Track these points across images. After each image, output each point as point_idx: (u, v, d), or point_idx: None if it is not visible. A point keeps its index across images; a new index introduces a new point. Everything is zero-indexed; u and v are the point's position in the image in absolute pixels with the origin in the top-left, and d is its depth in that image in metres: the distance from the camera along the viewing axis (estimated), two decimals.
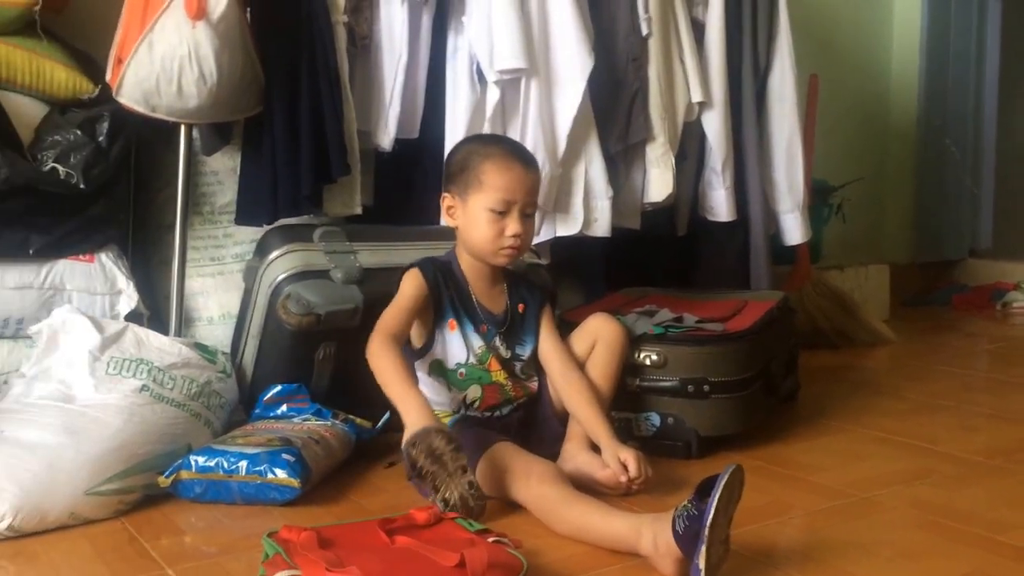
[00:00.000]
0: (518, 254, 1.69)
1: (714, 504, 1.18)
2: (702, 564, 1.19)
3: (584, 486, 1.51)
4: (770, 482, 1.71)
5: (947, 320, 3.71)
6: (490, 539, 1.28)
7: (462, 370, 1.68)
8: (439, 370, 1.69)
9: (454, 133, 2.11)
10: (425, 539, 1.26)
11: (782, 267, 2.97)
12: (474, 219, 1.66)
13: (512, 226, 1.64)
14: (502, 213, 1.64)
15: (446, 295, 1.67)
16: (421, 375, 1.69)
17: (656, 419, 1.84)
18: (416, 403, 1.49)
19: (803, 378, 2.35)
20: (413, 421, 1.46)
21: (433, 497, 1.41)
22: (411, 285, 1.64)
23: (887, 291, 3.62)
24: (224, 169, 2.07)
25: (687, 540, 1.22)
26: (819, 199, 3.36)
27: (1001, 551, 1.40)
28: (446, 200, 1.71)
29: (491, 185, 1.65)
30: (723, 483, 1.20)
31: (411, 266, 1.67)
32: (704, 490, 1.22)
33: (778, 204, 2.61)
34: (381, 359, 1.55)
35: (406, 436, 1.45)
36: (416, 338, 1.69)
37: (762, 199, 2.54)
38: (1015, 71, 4.41)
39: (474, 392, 1.69)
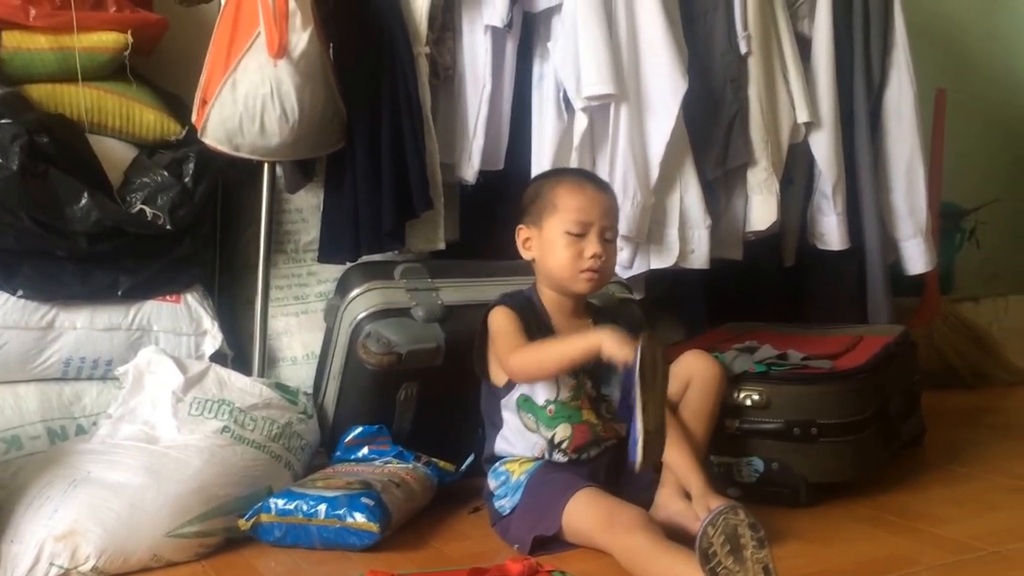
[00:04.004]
0: (600, 278, 1.62)
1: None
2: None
3: (679, 537, 1.41)
4: (889, 534, 1.60)
5: None
6: None
7: (551, 406, 1.61)
8: (528, 406, 1.62)
9: (540, 163, 2.08)
10: None
11: (909, 299, 2.82)
12: (550, 244, 1.61)
13: (591, 247, 1.59)
14: (579, 235, 1.59)
15: (533, 328, 1.61)
16: (507, 415, 1.64)
17: (759, 464, 1.74)
18: (596, 330, 1.51)
19: (931, 421, 2.21)
20: (607, 335, 1.43)
21: None
22: (505, 318, 1.59)
23: None
24: (308, 207, 2.09)
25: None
26: (950, 224, 3.17)
27: None
28: (522, 232, 1.67)
29: (565, 207, 1.60)
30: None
31: (493, 305, 1.62)
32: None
33: (897, 230, 2.46)
34: (523, 354, 1.54)
35: (614, 341, 1.41)
36: (501, 376, 1.63)
37: (879, 225, 2.40)
38: None
39: (563, 431, 1.61)
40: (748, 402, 1.74)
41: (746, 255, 2.27)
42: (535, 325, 1.62)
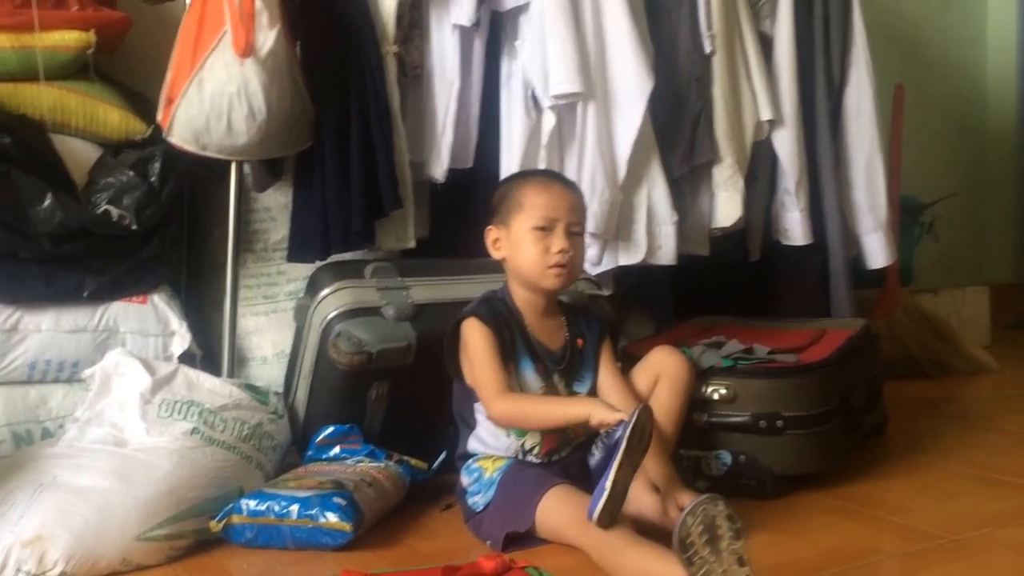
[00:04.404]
0: (568, 274, 1.62)
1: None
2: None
3: (648, 531, 1.43)
4: (853, 523, 1.63)
5: None
6: None
7: None
8: None
9: (509, 161, 2.08)
10: None
11: (871, 291, 2.85)
12: (518, 241, 1.62)
13: (557, 242, 1.59)
14: (545, 230, 1.60)
15: (506, 336, 1.61)
16: (481, 417, 1.64)
17: (727, 457, 1.76)
18: (585, 398, 1.58)
19: (893, 411, 2.24)
20: (596, 405, 1.47)
21: None
22: (479, 336, 1.58)
23: (987, 315, 3.44)
24: (277, 205, 2.07)
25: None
26: (908, 218, 3.22)
27: None
28: (491, 234, 1.67)
29: (531, 204, 1.61)
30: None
31: (466, 316, 1.61)
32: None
33: (858, 225, 2.50)
34: (508, 406, 1.56)
35: (604, 409, 1.44)
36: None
37: (840, 220, 2.44)
38: None
39: (532, 439, 1.62)
40: (716, 396, 1.76)
41: (712, 250, 2.29)
42: (509, 329, 1.62)
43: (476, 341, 1.58)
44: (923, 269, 3.44)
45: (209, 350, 1.97)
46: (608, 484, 1.33)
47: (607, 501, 1.33)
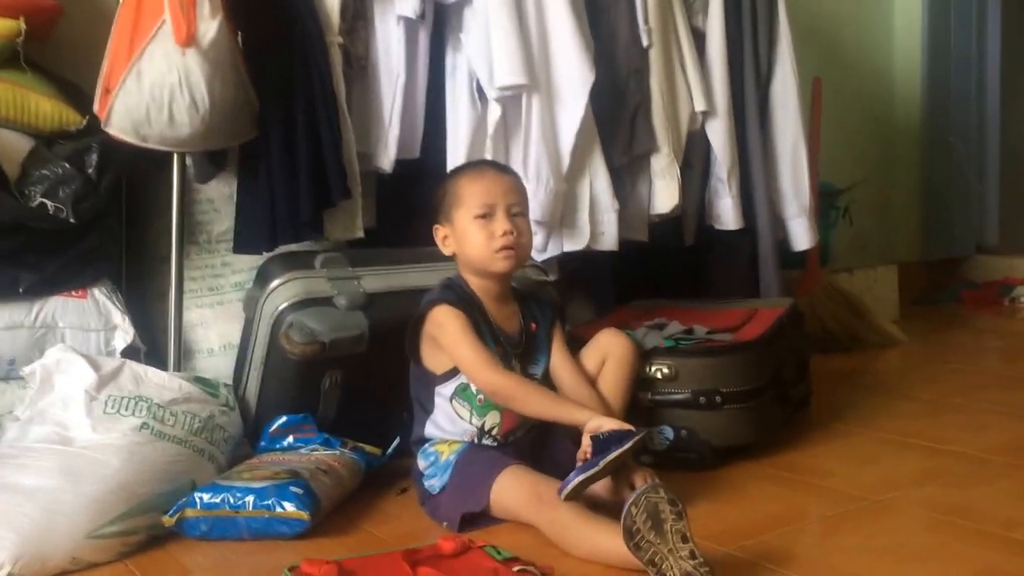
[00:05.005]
0: (517, 255, 1.65)
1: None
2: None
3: (600, 506, 1.48)
4: (784, 489, 1.72)
5: (957, 318, 3.72)
6: (516, 568, 1.29)
7: (481, 395, 1.64)
8: (464, 394, 1.64)
9: (456, 152, 2.09)
10: (449, 569, 1.27)
11: (793, 271, 2.96)
12: (464, 233, 1.65)
13: (500, 225, 1.62)
14: (487, 216, 1.63)
15: (473, 319, 1.64)
16: (440, 401, 1.66)
17: (670, 432, 1.82)
18: (584, 407, 1.60)
19: (815, 383, 2.33)
20: (598, 416, 1.53)
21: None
22: (455, 320, 1.60)
23: (896, 291, 3.60)
24: (220, 196, 2.03)
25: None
26: (826, 202, 3.34)
27: (1013, 549, 1.41)
28: (439, 232, 1.70)
29: (468, 194, 1.65)
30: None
31: (436, 303, 1.62)
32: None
33: (784, 210, 2.59)
34: (507, 386, 1.59)
35: (605, 419, 1.51)
36: (440, 364, 1.65)
37: (768, 206, 2.52)
38: (1017, 67, 4.40)
39: (492, 419, 1.65)
40: (659, 375, 1.83)
41: (651, 236, 2.33)
42: (474, 313, 1.64)
43: (453, 325, 1.60)
44: (839, 250, 3.58)
45: (153, 344, 1.93)
46: (602, 463, 1.40)
47: (588, 477, 1.41)
